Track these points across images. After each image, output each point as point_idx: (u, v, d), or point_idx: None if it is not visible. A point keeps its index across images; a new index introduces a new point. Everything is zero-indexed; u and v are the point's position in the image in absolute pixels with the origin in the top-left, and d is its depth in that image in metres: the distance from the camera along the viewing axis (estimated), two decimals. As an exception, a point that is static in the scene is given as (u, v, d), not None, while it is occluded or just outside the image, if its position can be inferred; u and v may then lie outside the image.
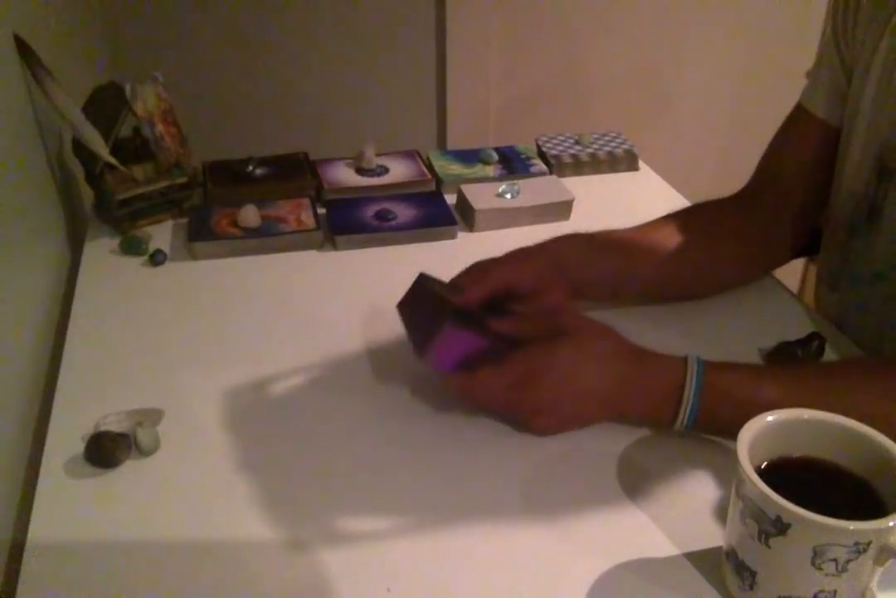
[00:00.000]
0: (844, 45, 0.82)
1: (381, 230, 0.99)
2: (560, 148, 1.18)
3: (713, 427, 0.67)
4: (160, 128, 0.98)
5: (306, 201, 1.04)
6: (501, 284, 0.74)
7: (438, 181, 1.12)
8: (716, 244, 0.86)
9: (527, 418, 0.68)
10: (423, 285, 0.74)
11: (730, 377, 0.66)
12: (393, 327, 0.76)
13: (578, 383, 0.67)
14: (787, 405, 0.56)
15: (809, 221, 0.92)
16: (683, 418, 0.66)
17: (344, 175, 1.11)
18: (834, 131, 0.85)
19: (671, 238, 0.83)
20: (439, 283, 0.76)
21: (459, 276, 0.75)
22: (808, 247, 1.03)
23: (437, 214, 1.03)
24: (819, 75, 0.86)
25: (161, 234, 1.00)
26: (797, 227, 0.91)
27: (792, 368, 0.69)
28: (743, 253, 0.88)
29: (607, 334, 0.70)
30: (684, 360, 0.67)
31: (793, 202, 0.90)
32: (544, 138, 1.21)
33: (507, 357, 0.67)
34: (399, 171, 1.13)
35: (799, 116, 0.89)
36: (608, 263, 0.81)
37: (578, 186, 1.10)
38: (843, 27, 0.82)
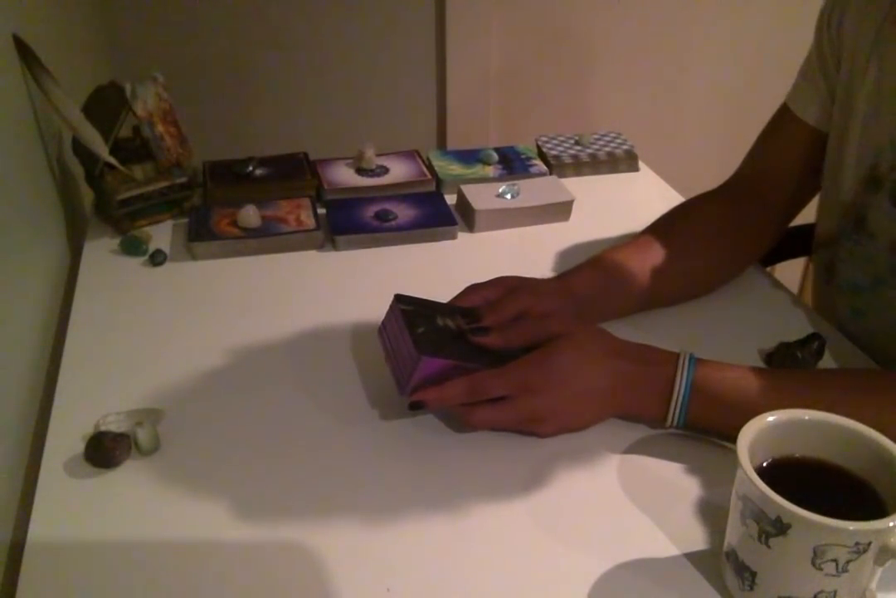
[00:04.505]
0: (831, 55, 0.83)
1: (381, 230, 0.99)
2: (560, 148, 1.18)
3: (705, 426, 0.67)
4: (160, 128, 0.98)
5: (306, 201, 1.04)
6: (501, 289, 0.74)
7: (438, 181, 1.12)
8: (704, 249, 0.86)
9: (530, 427, 0.68)
10: (398, 309, 0.70)
11: (721, 377, 0.66)
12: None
13: (578, 385, 0.67)
14: None
15: (789, 219, 0.93)
16: (674, 414, 0.66)
17: (344, 175, 1.11)
18: (820, 135, 0.86)
19: (665, 251, 0.83)
20: (418, 301, 0.72)
21: (455, 299, 0.75)
22: (806, 247, 1.03)
23: (437, 214, 1.03)
24: (806, 80, 0.87)
25: (161, 234, 1.00)
26: (777, 224, 0.92)
27: (786, 376, 0.68)
28: (729, 252, 0.89)
29: (601, 335, 0.70)
30: (678, 355, 0.67)
31: (775, 200, 0.90)
32: (544, 138, 1.21)
33: (503, 371, 0.66)
34: (399, 171, 1.13)
35: (785, 116, 0.89)
36: (608, 293, 0.80)
37: (578, 187, 1.10)
38: (828, 38, 0.83)
